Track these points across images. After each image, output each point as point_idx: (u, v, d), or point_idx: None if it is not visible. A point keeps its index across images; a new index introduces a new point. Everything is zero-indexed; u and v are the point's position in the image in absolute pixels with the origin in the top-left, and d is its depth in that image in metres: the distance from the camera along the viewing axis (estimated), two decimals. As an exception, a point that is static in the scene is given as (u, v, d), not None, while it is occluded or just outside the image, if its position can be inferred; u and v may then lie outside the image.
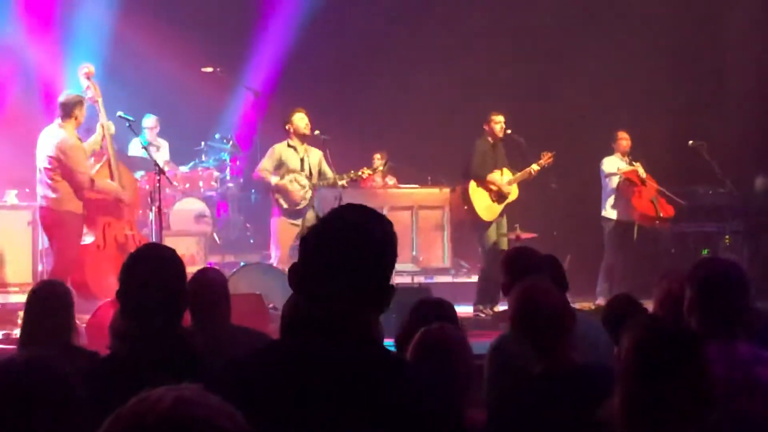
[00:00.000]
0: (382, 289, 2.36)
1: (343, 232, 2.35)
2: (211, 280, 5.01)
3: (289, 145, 10.10)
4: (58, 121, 9.28)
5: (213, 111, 13.82)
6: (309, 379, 2.27)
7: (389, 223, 2.43)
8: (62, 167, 9.17)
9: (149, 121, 12.40)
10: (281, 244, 10.02)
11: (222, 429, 1.45)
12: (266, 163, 10.06)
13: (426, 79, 14.04)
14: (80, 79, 9.67)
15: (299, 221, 10.02)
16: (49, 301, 4.81)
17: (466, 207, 11.00)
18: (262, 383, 2.30)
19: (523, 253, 5.18)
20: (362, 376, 2.27)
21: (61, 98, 9.37)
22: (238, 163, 12.77)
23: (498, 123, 10.96)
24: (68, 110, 9.23)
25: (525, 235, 10.99)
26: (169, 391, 1.47)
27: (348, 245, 2.33)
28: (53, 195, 9.22)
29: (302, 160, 10.11)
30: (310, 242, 2.39)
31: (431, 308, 4.14)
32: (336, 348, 2.29)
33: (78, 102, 9.30)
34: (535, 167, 11.02)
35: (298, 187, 10.02)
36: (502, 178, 10.97)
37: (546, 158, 11.07)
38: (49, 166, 9.21)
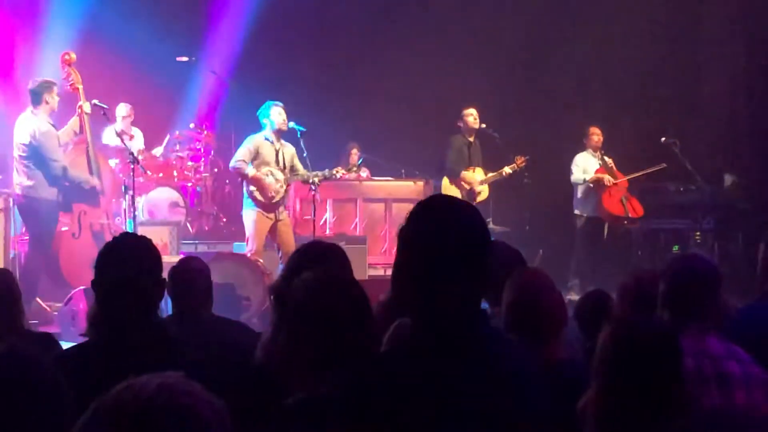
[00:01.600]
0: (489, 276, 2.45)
1: (455, 226, 2.40)
2: (193, 270, 4.99)
3: (265, 138, 10.07)
4: (30, 108, 9.28)
5: (187, 100, 13.77)
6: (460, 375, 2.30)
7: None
8: (36, 155, 9.18)
9: (123, 109, 12.32)
10: (256, 236, 10.00)
11: (203, 417, 1.47)
12: (242, 154, 10.02)
13: (401, 71, 14.04)
14: (60, 65, 9.65)
15: (272, 215, 10.02)
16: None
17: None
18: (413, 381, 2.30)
19: (495, 247, 5.17)
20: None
21: (30, 85, 9.40)
22: (212, 153, 12.74)
23: (470, 115, 11.03)
24: (38, 96, 9.26)
25: (497, 229, 11.06)
26: (152, 378, 1.49)
27: (466, 237, 2.39)
28: (28, 182, 9.23)
29: (277, 153, 10.10)
30: (421, 239, 2.40)
31: None
32: (475, 339, 2.36)
33: (47, 87, 9.30)
34: (507, 170, 11.08)
35: (274, 181, 10.00)
36: (475, 177, 11.01)
37: (519, 162, 11.15)
38: (23, 154, 9.24)
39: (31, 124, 9.21)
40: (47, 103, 9.27)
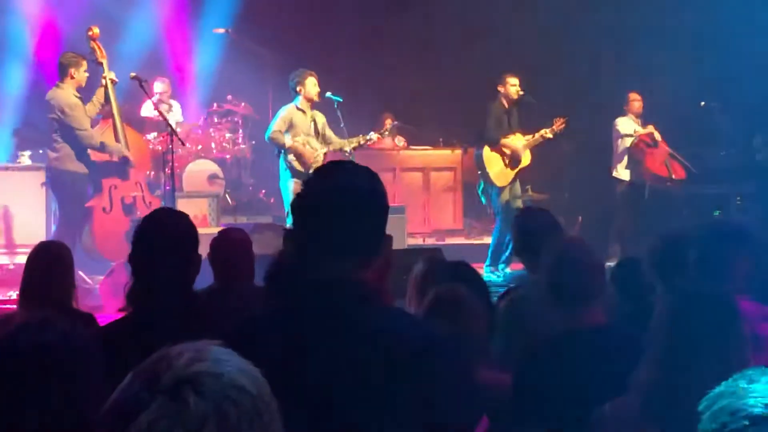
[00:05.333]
0: (371, 240, 2.40)
1: (326, 190, 2.40)
2: (235, 240, 5.00)
3: (298, 108, 10.08)
4: (58, 82, 9.38)
5: (225, 72, 13.80)
6: (305, 341, 2.30)
7: (373, 178, 2.46)
8: (63, 127, 9.29)
9: (159, 85, 12.36)
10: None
11: (240, 385, 1.48)
12: (277, 125, 10.03)
13: (437, 39, 13.99)
14: (86, 40, 9.71)
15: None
16: (46, 262, 4.73)
17: (479, 171, 10.98)
18: (262, 346, 2.24)
19: (533, 214, 5.18)
20: (358, 330, 2.30)
21: (60, 58, 9.48)
22: (250, 124, 12.77)
23: (513, 86, 10.93)
24: (64, 70, 9.37)
25: (537, 196, 11.01)
26: (187, 347, 1.50)
27: (330, 202, 2.37)
28: (55, 155, 9.37)
29: (311, 122, 10.12)
30: (297, 204, 2.43)
31: (448, 270, 4.12)
32: (326, 306, 2.33)
33: (73, 61, 9.37)
34: (548, 133, 10.99)
35: (311, 150, 10.01)
36: (516, 142, 10.95)
37: (558, 124, 11.04)
38: (52, 127, 9.32)
39: (56, 97, 9.31)
40: (73, 77, 9.35)
